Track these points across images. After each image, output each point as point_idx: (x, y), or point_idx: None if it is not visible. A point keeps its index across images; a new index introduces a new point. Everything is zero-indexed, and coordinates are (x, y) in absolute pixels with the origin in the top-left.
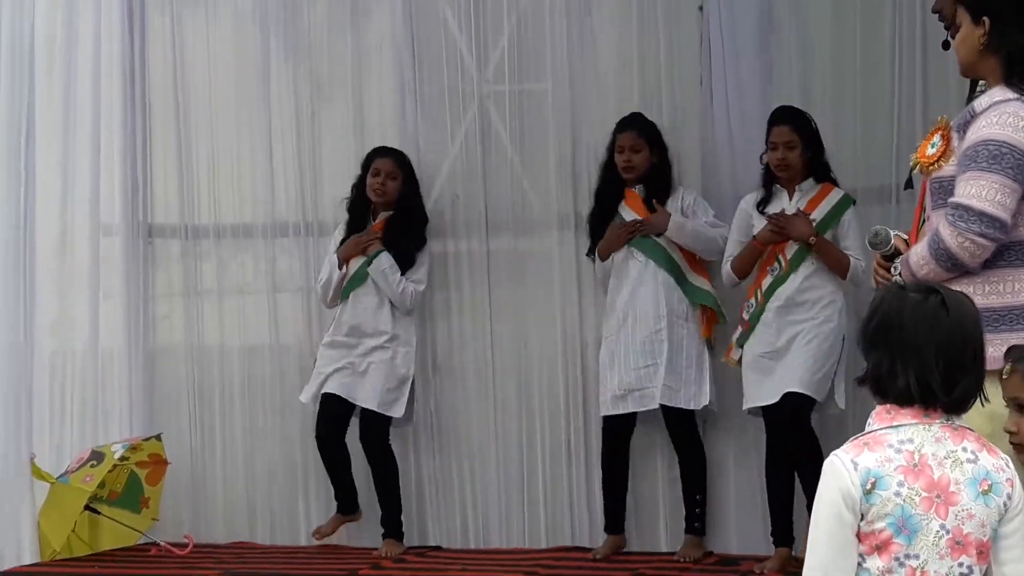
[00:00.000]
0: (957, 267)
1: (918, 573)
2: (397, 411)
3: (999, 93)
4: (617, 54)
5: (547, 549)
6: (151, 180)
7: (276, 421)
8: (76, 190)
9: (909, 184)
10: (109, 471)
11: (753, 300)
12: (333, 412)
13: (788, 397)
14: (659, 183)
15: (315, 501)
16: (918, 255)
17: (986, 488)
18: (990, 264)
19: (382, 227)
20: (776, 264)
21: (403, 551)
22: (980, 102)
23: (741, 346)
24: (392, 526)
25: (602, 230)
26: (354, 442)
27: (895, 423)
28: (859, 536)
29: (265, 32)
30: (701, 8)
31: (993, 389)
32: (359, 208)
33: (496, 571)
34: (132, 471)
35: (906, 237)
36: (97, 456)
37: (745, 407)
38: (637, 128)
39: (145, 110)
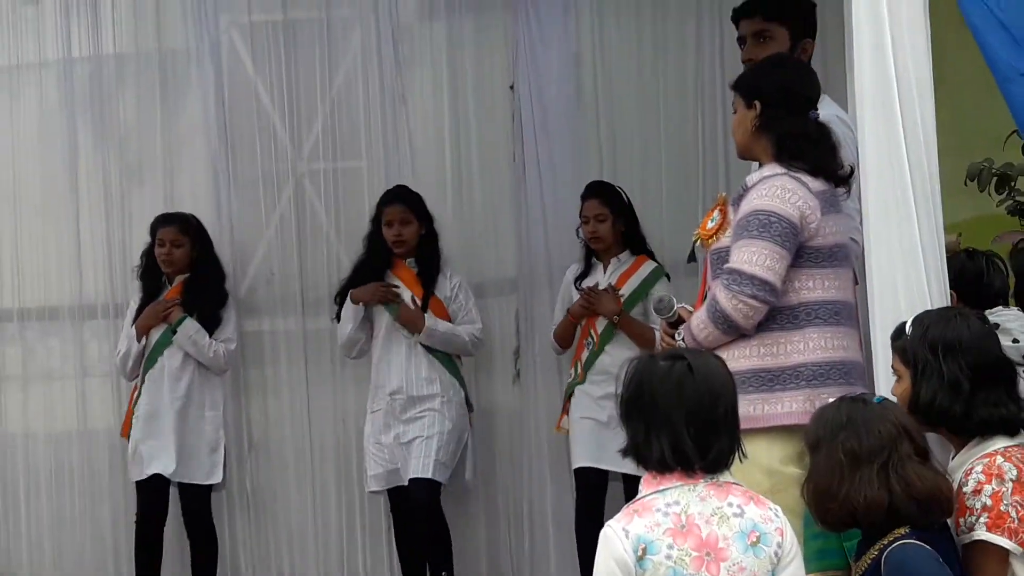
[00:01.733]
0: (733, 329)
1: None
2: (215, 477)
3: (768, 169)
4: (431, 131)
5: None
6: None
7: (86, 508)
8: None
9: (692, 258)
10: None
11: (573, 371)
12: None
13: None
14: (430, 257)
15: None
16: (698, 319)
17: (755, 540)
18: (763, 327)
19: (179, 292)
20: (589, 339)
21: None
22: (751, 178)
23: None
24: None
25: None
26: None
27: (661, 487)
28: None
29: (71, 116)
30: (512, 87)
31: (765, 445)
32: (152, 275)
33: None
34: None
35: (691, 309)
36: None
37: (577, 466)
38: (405, 201)
39: None
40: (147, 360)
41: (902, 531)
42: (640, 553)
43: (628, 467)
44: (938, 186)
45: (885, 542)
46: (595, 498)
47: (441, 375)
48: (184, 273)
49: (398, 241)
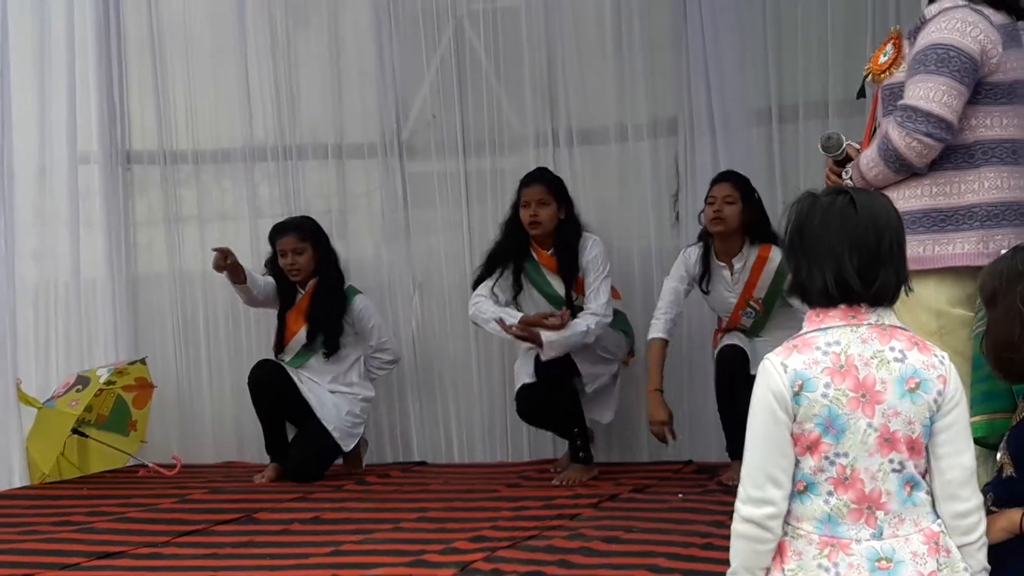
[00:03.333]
0: (905, 168)
1: (848, 470)
2: (346, 445)
3: (948, 1)
4: None
5: (529, 462)
6: (128, 107)
7: (262, 342)
8: (53, 120)
9: (862, 93)
10: (95, 395)
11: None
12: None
13: None
14: (570, 240)
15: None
16: (868, 158)
17: (914, 386)
18: (936, 166)
19: (308, 302)
20: (748, 308)
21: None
22: (929, 10)
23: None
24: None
25: (493, 266)
26: None
27: (823, 325)
28: (792, 437)
29: None
30: None
31: (934, 286)
32: (280, 282)
33: (480, 484)
34: (119, 395)
35: (858, 146)
36: (83, 381)
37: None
38: (544, 183)
39: (120, 38)
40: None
41: None
42: (797, 388)
43: None
44: None
45: None
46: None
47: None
48: (312, 277)
49: (534, 223)
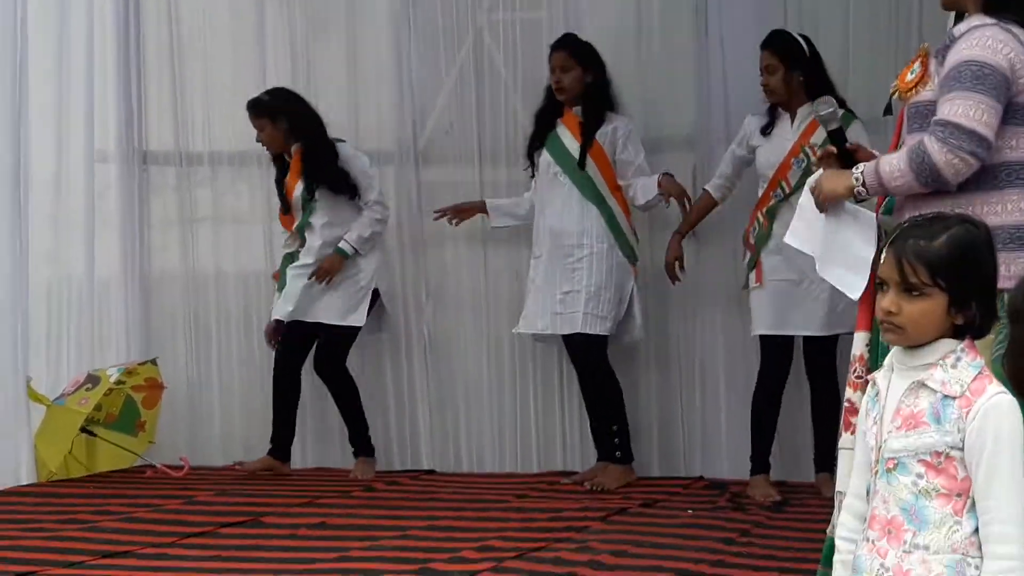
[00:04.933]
0: (937, 183)
1: None
2: (357, 320)
3: (978, 19)
4: None
5: (539, 473)
6: (145, 108)
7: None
8: (71, 119)
9: (888, 111)
10: (105, 394)
11: (755, 223)
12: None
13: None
14: (595, 103)
15: (311, 422)
16: (893, 167)
17: None
18: (960, 187)
19: (299, 163)
20: (779, 189)
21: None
22: (959, 28)
23: (752, 269)
24: (361, 444)
25: (534, 146)
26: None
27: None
28: None
29: None
30: None
31: None
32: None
33: (489, 494)
34: (128, 395)
35: (875, 152)
36: (92, 379)
37: (761, 332)
38: (568, 48)
39: (139, 37)
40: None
41: None
42: None
43: (813, 329)
44: None
45: None
46: (782, 362)
47: (594, 224)
48: (290, 144)
49: (559, 88)
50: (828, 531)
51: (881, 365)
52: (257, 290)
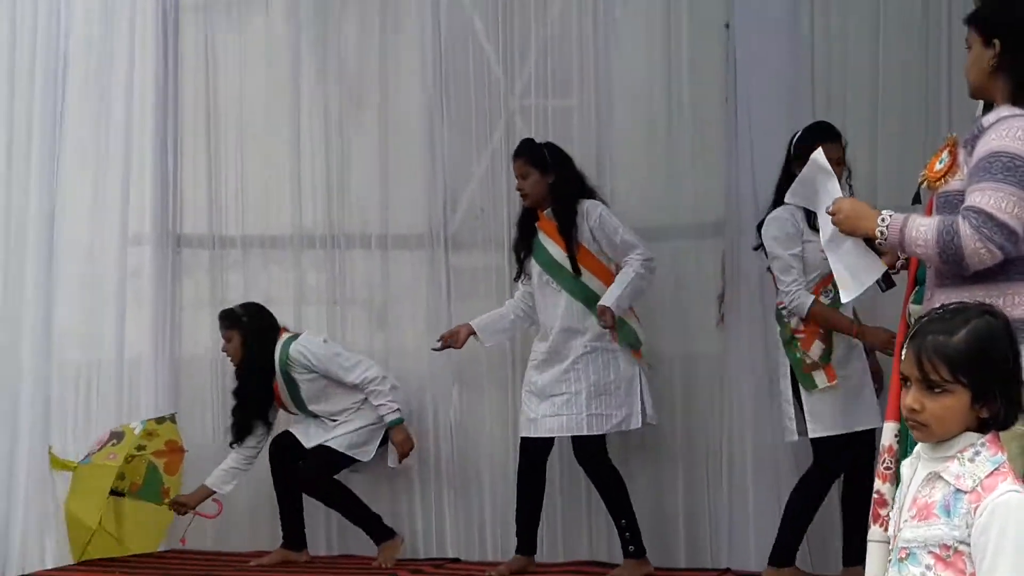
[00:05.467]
0: (956, 267)
1: None
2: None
3: (1007, 110)
4: (643, 70)
5: (566, 562)
6: (181, 190)
7: None
8: (106, 199)
9: (917, 199)
10: (127, 461)
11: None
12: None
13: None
14: (564, 202)
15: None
16: (920, 233)
17: None
18: (988, 277)
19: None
20: (832, 287)
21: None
22: (988, 118)
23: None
24: (377, 532)
25: (521, 252)
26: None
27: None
28: None
29: (296, 47)
30: (727, 25)
31: None
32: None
33: None
34: (150, 461)
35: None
36: (117, 436)
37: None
38: (523, 156)
39: (176, 121)
40: None
41: None
42: None
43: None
44: None
45: None
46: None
47: (593, 324)
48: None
49: (523, 195)
50: None
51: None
52: None
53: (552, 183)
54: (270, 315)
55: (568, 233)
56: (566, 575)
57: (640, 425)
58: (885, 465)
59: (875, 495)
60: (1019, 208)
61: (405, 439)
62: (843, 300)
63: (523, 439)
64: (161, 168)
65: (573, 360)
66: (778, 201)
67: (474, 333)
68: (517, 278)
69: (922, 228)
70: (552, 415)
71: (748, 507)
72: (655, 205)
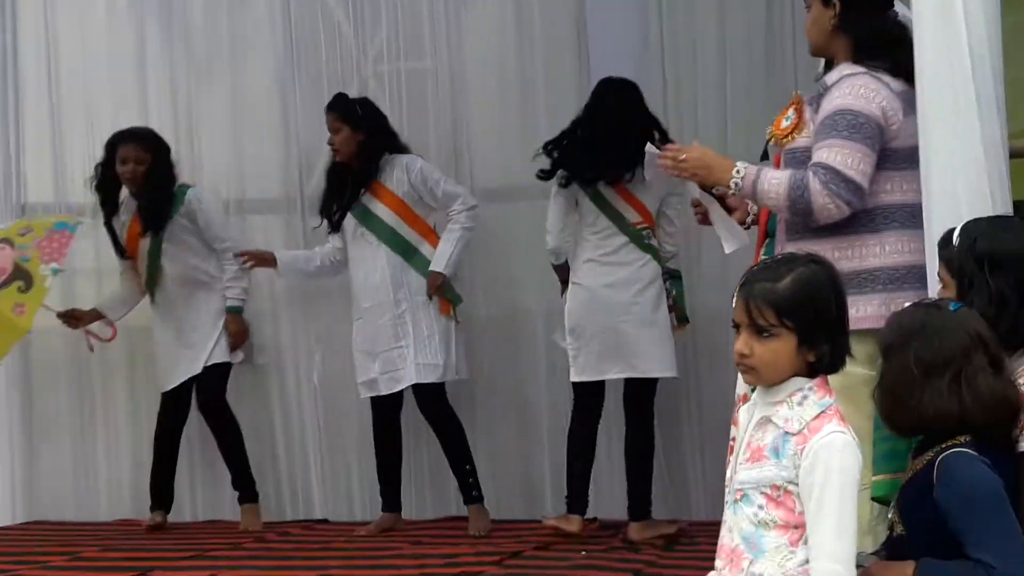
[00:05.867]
0: (805, 219)
1: None
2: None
3: (848, 68)
4: (496, 32)
5: (434, 520)
6: (23, 161)
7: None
8: None
9: (765, 156)
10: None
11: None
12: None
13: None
14: (368, 160)
15: (200, 478)
16: (771, 186)
17: None
18: (838, 230)
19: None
20: None
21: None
22: (830, 76)
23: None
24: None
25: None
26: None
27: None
28: None
29: (139, 15)
30: None
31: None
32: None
33: (381, 541)
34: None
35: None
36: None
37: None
38: (335, 111)
39: (17, 89)
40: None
41: (962, 439)
42: None
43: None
44: (1003, 88)
45: (943, 446)
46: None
47: (412, 278)
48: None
49: (333, 149)
50: None
51: None
52: (142, 341)
53: (361, 140)
54: None
55: (366, 183)
56: (434, 531)
57: (456, 377)
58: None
59: (731, 442)
60: (864, 164)
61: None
62: (727, 251)
63: (371, 399)
64: (3, 138)
65: (398, 314)
66: None
67: (275, 263)
68: (335, 230)
69: (774, 181)
70: (387, 372)
71: (613, 452)
72: (510, 166)
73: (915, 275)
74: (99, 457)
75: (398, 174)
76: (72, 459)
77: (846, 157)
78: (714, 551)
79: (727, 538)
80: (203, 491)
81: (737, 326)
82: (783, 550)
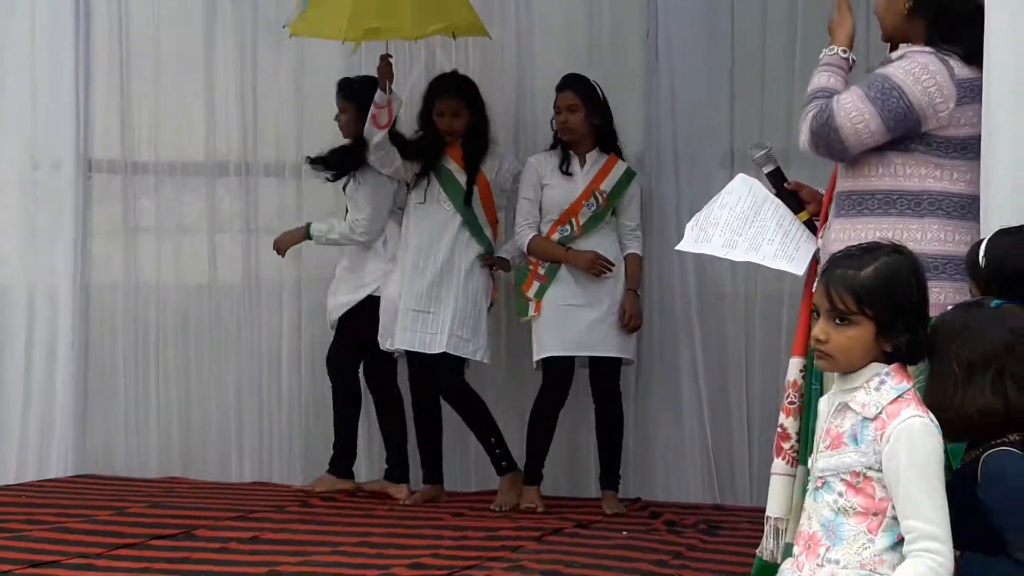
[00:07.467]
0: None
1: None
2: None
3: (917, 46)
4: (565, 3)
5: (476, 492)
6: (92, 116)
7: (212, 360)
8: (8, 125)
9: None
10: None
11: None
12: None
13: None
14: (476, 142)
15: (248, 440)
16: (849, 107)
17: None
18: (882, 211)
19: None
20: (568, 225)
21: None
22: (898, 51)
23: (539, 299)
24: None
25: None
26: None
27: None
28: None
29: None
30: None
31: None
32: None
33: (423, 512)
34: None
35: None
36: None
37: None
38: (454, 90)
39: (87, 45)
40: None
41: (1011, 437)
42: None
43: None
44: None
45: (990, 444)
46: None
47: (471, 255)
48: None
49: (449, 130)
50: (758, 552)
51: (814, 390)
52: (198, 302)
53: (474, 123)
54: None
55: (474, 165)
56: (478, 503)
57: (479, 359)
58: (789, 400)
59: (779, 429)
60: (866, 132)
61: None
62: (799, 273)
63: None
64: (72, 91)
65: (450, 282)
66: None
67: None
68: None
69: (847, 103)
70: (420, 331)
71: (658, 434)
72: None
73: (954, 266)
74: (151, 415)
75: (490, 161)
76: (124, 415)
77: (853, 113)
78: (757, 537)
79: (806, 525)
80: (249, 454)
81: (815, 311)
82: (861, 538)
